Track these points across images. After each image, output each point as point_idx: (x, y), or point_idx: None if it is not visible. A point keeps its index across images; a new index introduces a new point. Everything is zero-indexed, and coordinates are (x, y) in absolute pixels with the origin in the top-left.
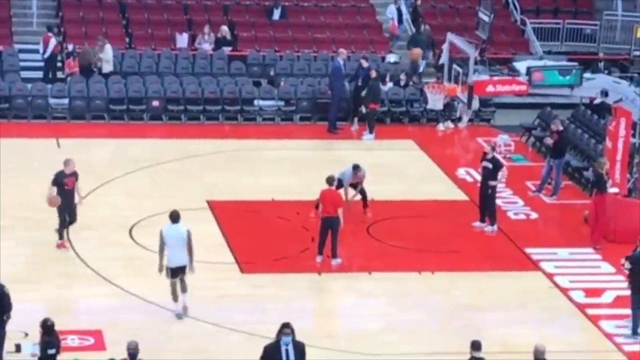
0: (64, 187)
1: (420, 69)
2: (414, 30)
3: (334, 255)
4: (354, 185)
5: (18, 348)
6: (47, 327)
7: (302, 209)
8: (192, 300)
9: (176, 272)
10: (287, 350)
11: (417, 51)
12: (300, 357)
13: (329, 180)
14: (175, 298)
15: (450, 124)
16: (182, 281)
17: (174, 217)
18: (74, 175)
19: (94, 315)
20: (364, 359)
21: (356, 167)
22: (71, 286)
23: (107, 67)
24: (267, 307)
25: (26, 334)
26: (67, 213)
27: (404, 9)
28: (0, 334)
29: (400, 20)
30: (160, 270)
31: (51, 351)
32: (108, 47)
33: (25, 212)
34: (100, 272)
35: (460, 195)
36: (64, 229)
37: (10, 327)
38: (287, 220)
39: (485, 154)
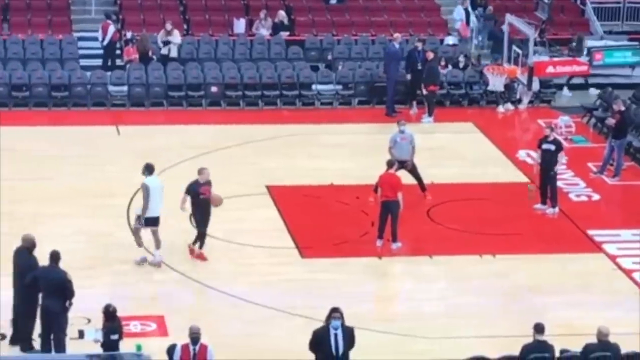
0: (199, 196)
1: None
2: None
3: (394, 239)
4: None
5: (81, 334)
6: (110, 313)
7: (361, 193)
8: (253, 285)
9: (151, 222)
10: (336, 335)
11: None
12: (349, 341)
13: (389, 164)
14: (139, 244)
15: (510, 106)
16: (155, 234)
17: (152, 168)
18: (209, 183)
19: (156, 301)
20: (424, 342)
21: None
22: (133, 272)
23: (175, 52)
24: (327, 291)
25: (89, 320)
26: (204, 222)
27: (471, 10)
28: (63, 320)
29: (468, 21)
30: (140, 222)
31: (114, 337)
32: (176, 32)
33: (85, 199)
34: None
35: (520, 177)
36: (204, 239)
37: (72, 313)
38: (346, 205)
39: (545, 136)
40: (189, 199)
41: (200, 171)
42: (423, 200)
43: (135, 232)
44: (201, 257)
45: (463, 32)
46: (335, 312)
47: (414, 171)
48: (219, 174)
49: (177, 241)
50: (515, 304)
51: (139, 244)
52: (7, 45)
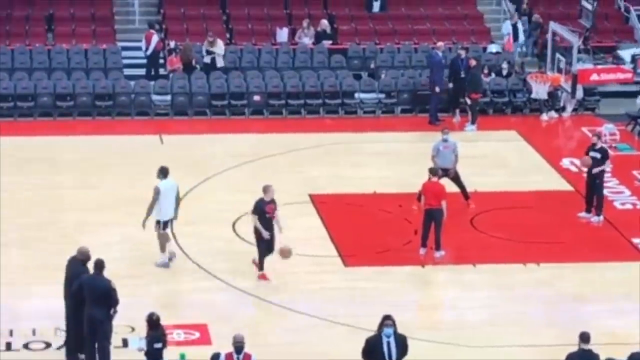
0: (265, 215)
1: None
2: (529, 49)
3: (438, 248)
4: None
5: (125, 343)
6: (153, 322)
7: (404, 202)
8: (296, 293)
9: (167, 225)
10: (388, 343)
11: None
12: (402, 349)
13: (432, 172)
14: (163, 249)
15: (554, 114)
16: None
17: (166, 171)
18: (273, 202)
19: (199, 309)
20: (468, 351)
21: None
22: (176, 281)
23: (220, 62)
24: (370, 300)
25: (133, 329)
26: (266, 242)
27: (520, 26)
28: (108, 328)
29: (516, 37)
30: (159, 226)
31: (157, 345)
32: (220, 42)
33: (129, 208)
34: (205, 266)
35: (565, 186)
36: (264, 259)
37: (117, 321)
38: (389, 213)
39: (593, 144)
40: (256, 218)
41: (266, 189)
42: (466, 209)
43: (160, 237)
44: (264, 278)
45: (508, 47)
46: (387, 320)
47: (456, 179)
48: (261, 182)
49: (221, 249)
50: (559, 312)
51: (163, 248)
52: (52, 55)
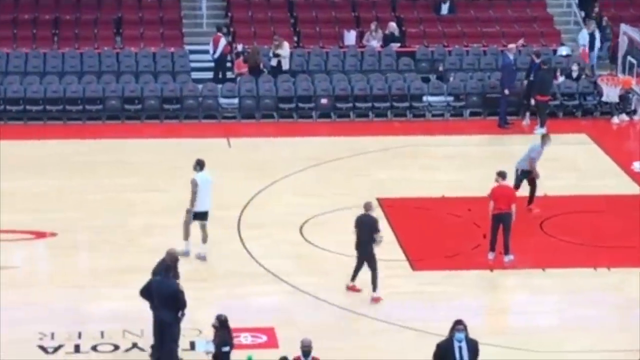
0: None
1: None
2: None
3: (507, 252)
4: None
5: (192, 345)
6: (221, 323)
7: (473, 206)
8: (364, 298)
9: (200, 216)
10: (460, 348)
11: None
12: (473, 354)
13: (502, 175)
14: (186, 237)
15: (625, 117)
16: (204, 228)
17: (203, 164)
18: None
19: (266, 313)
20: (537, 356)
21: (545, 137)
22: (243, 284)
23: (286, 64)
24: (438, 304)
25: (200, 332)
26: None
27: (597, 35)
28: (176, 331)
29: (592, 46)
30: (189, 215)
31: (225, 349)
32: (286, 45)
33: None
34: (272, 269)
35: (635, 190)
36: (376, 278)
37: (184, 324)
38: (457, 217)
39: None
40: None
41: (369, 206)
42: (536, 213)
43: (185, 226)
44: (354, 290)
45: (583, 57)
46: (459, 325)
47: (534, 183)
48: (329, 186)
49: (288, 253)
50: (630, 317)
51: (186, 236)
52: (120, 58)
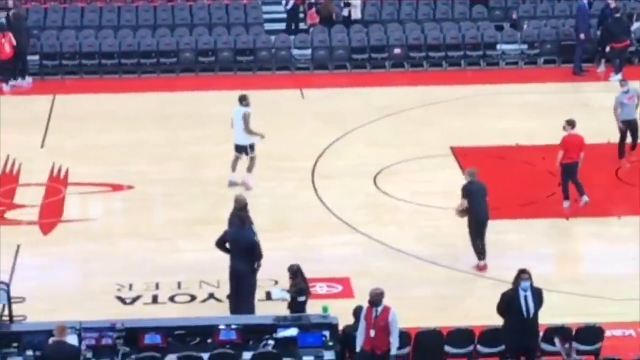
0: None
1: None
2: None
3: (582, 193)
4: None
5: (268, 295)
6: (294, 273)
7: (547, 154)
8: (439, 247)
9: (237, 149)
10: (525, 297)
11: None
12: (538, 302)
13: (571, 124)
14: (233, 169)
15: None
16: (250, 159)
17: (240, 98)
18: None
19: (341, 263)
20: (614, 304)
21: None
22: (318, 234)
23: (357, 14)
24: (514, 252)
25: (276, 282)
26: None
27: None
28: (252, 282)
29: None
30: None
31: (301, 298)
32: None
33: (270, 162)
34: (346, 220)
35: None
36: (483, 251)
37: (260, 275)
38: (532, 165)
39: None
40: (465, 202)
41: (473, 173)
42: (612, 161)
43: (235, 160)
44: (483, 269)
45: None
46: (523, 274)
47: (635, 131)
48: (402, 136)
49: (363, 203)
50: None
51: (234, 168)
52: (194, 11)
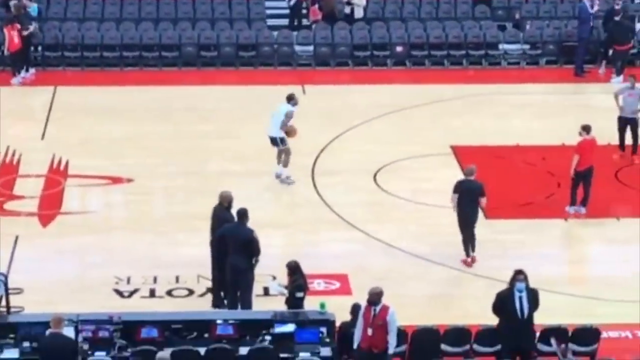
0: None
1: None
2: None
3: (585, 204)
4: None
5: (266, 291)
6: (292, 270)
7: (548, 154)
8: (437, 246)
9: (271, 141)
10: (520, 298)
11: None
12: (534, 304)
13: (586, 129)
14: (278, 162)
15: None
16: (284, 154)
17: (288, 97)
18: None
19: (340, 259)
20: (612, 306)
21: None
22: (317, 231)
23: (359, 12)
24: (512, 253)
25: (274, 277)
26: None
27: None
28: (250, 277)
29: None
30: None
31: (299, 294)
32: None
33: (271, 158)
34: (346, 217)
35: None
36: (471, 243)
37: (258, 270)
38: (532, 166)
39: None
40: (456, 197)
41: (469, 171)
42: (612, 162)
43: (281, 153)
44: (468, 264)
45: None
46: (519, 275)
47: (636, 130)
48: (403, 133)
49: (362, 200)
50: None
51: (278, 161)
52: (196, 5)
